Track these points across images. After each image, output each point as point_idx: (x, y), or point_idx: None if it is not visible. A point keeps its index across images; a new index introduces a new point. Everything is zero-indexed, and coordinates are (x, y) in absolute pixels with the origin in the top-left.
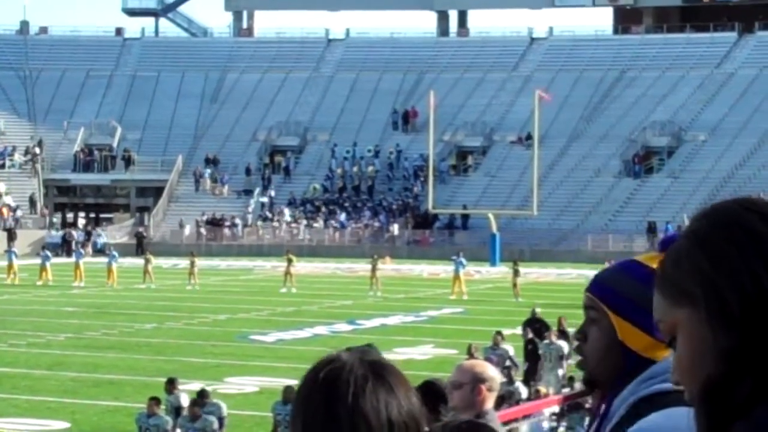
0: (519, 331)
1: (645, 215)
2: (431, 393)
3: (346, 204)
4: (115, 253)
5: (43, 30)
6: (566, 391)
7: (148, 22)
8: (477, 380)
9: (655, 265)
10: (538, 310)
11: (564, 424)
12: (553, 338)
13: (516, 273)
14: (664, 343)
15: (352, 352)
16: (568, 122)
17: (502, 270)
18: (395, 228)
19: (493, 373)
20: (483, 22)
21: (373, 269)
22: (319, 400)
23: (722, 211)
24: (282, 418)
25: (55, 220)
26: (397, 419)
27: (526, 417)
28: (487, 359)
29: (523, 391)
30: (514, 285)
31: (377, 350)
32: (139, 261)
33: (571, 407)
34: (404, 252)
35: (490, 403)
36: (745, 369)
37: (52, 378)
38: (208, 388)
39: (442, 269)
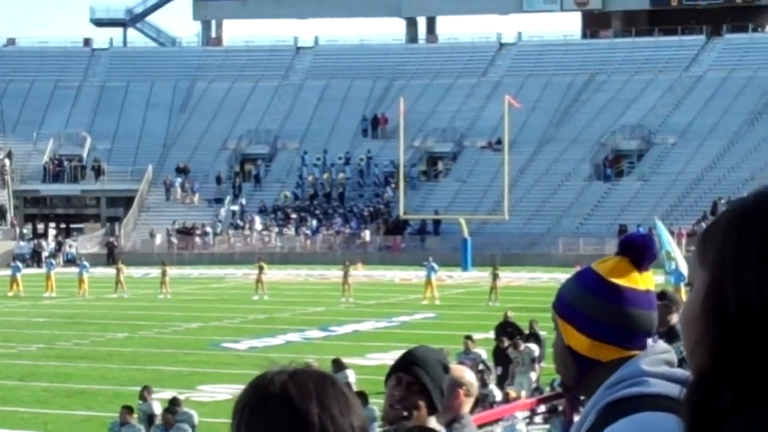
0: (491, 335)
1: (616, 218)
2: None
3: (317, 211)
4: (86, 263)
5: (11, 41)
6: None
7: (117, 32)
8: (454, 384)
9: (605, 270)
10: (510, 313)
11: (537, 426)
12: (521, 344)
13: (495, 277)
14: (602, 341)
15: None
16: (538, 127)
17: (474, 275)
18: (367, 234)
19: (470, 378)
20: (452, 28)
21: (345, 276)
22: (255, 411)
23: None
24: None
25: (25, 231)
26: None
27: (499, 420)
28: (461, 364)
29: (497, 394)
30: (493, 289)
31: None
32: (110, 271)
33: (550, 411)
34: (376, 258)
35: (467, 407)
36: (727, 375)
37: (24, 388)
38: (181, 397)
39: (414, 275)
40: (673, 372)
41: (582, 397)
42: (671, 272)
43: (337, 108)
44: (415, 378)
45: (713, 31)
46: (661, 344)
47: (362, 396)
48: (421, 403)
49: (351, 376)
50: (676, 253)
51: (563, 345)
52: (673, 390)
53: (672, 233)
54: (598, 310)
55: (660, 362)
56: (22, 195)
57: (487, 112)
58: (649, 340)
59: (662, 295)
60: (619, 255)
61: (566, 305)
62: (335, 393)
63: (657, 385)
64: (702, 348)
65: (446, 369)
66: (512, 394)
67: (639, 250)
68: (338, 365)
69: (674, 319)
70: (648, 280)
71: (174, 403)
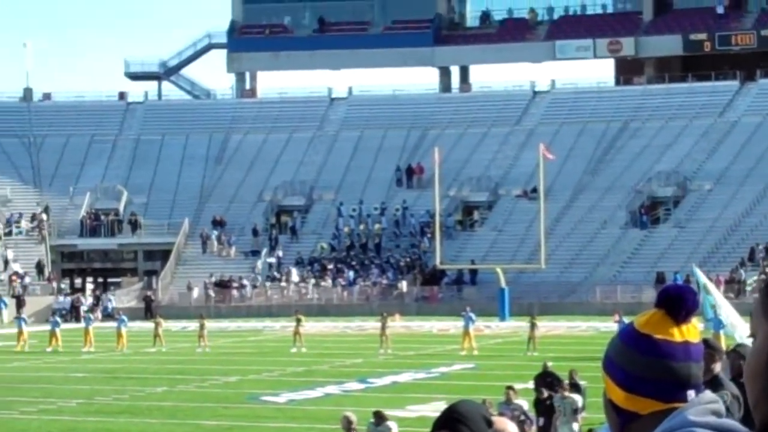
0: (531, 385)
1: (653, 266)
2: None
3: (354, 262)
4: (124, 318)
5: (47, 96)
6: None
7: (151, 85)
8: None
9: (639, 323)
10: (549, 363)
11: None
12: (565, 392)
13: (533, 326)
14: (636, 393)
15: None
16: (573, 174)
17: (512, 324)
18: (404, 285)
19: (513, 430)
20: (485, 77)
21: (383, 327)
22: None
23: None
24: None
25: (63, 285)
26: None
27: None
28: (501, 414)
29: None
30: (531, 338)
31: None
32: (148, 325)
33: None
34: (413, 309)
35: None
36: None
37: None
38: None
39: (452, 325)
40: (721, 423)
41: None
42: (711, 320)
43: (371, 158)
44: None
45: (747, 77)
46: (708, 394)
47: None
48: None
49: (394, 428)
50: (717, 300)
51: (606, 397)
52: None
53: (710, 280)
54: (631, 363)
55: (707, 412)
56: (60, 250)
57: (522, 160)
58: (692, 392)
59: (704, 343)
60: (657, 307)
61: (607, 359)
62: None
63: None
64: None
65: (489, 423)
66: None
67: (675, 302)
68: (379, 417)
69: (717, 367)
70: (689, 332)
71: None
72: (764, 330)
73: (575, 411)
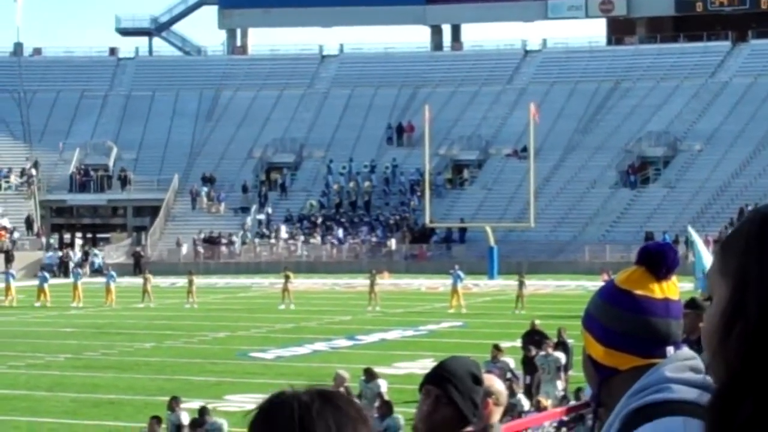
0: (518, 343)
1: (642, 225)
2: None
3: (343, 220)
4: (113, 273)
5: (37, 51)
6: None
7: (142, 41)
8: (484, 394)
9: (620, 280)
10: (537, 321)
11: None
12: (550, 350)
13: (521, 285)
14: (615, 349)
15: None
16: (564, 134)
17: (501, 283)
18: (393, 243)
19: (500, 387)
20: (477, 36)
21: (372, 284)
22: (265, 427)
23: None
24: None
25: (52, 241)
26: None
27: (528, 429)
28: (488, 372)
29: (526, 404)
30: (519, 297)
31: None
32: (137, 280)
33: (575, 419)
34: (402, 266)
35: (496, 416)
36: (748, 386)
37: (52, 399)
38: (209, 406)
39: (441, 283)
40: (696, 378)
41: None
42: (700, 279)
43: (362, 116)
44: (443, 391)
45: (739, 37)
46: (686, 351)
47: (387, 406)
48: (449, 415)
49: (383, 385)
50: (706, 260)
51: (585, 354)
52: (697, 395)
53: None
54: (611, 319)
55: (684, 368)
56: (49, 205)
57: (513, 119)
58: (671, 348)
59: (692, 303)
60: (637, 264)
61: (587, 315)
62: (341, 415)
63: (680, 391)
64: (722, 359)
65: (478, 381)
66: (543, 402)
67: (655, 259)
68: (370, 375)
69: None
70: (669, 289)
71: (203, 413)
72: (721, 291)
73: (559, 369)
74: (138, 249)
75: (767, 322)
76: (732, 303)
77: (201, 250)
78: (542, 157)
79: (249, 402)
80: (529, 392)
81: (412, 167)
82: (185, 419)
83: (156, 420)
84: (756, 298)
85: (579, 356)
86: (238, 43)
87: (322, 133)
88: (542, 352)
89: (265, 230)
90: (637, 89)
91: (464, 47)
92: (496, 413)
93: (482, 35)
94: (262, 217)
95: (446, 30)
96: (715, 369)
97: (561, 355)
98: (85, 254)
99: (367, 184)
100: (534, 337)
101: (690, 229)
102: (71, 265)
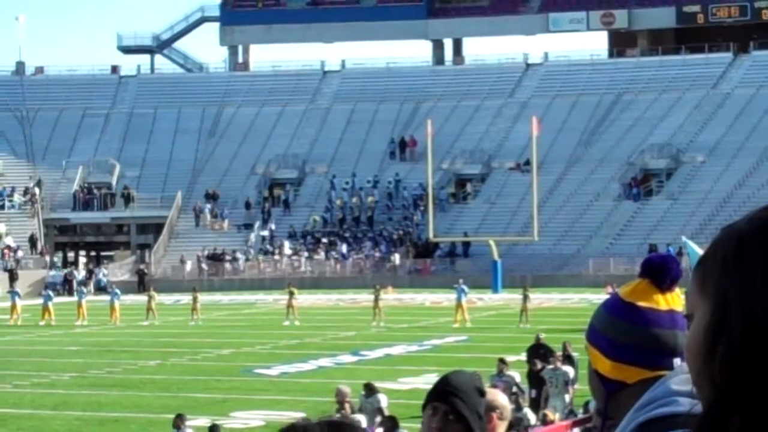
0: (523, 357)
1: (646, 238)
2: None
3: (347, 235)
4: (117, 291)
5: (39, 70)
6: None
7: (144, 59)
8: (488, 408)
9: (624, 292)
10: (542, 335)
11: None
12: (558, 364)
13: (526, 298)
14: (622, 362)
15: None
16: (566, 147)
17: (505, 296)
18: (396, 258)
19: (503, 401)
20: (478, 50)
21: (376, 299)
22: None
23: None
24: None
25: (56, 259)
26: None
27: None
28: (494, 386)
29: (532, 418)
30: (523, 311)
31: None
32: (141, 298)
33: None
34: (406, 281)
35: (501, 430)
36: (735, 405)
37: (57, 417)
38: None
39: (445, 297)
40: None
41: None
42: None
43: (364, 131)
44: (451, 407)
45: (740, 48)
46: None
47: (393, 421)
48: (458, 431)
49: (383, 400)
50: None
51: (591, 368)
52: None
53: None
54: (617, 332)
55: (689, 381)
56: (53, 223)
57: (515, 133)
58: (677, 360)
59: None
60: (641, 277)
61: (591, 329)
62: None
63: (687, 404)
64: (707, 377)
65: (482, 393)
66: (550, 416)
67: (659, 271)
68: (370, 390)
69: None
70: (673, 301)
71: (213, 430)
72: (702, 308)
73: (567, 383)
74: (142, 266)
75: (750, 341)
76: (714, 322)
77: (205, 267)
78: (545, 171)
79: (254, 419)
80: (535, 406)
81: (414, 182)
82: None
83: None
84: (738, 317)
85: (584, 369)
86: (240, 59)
87: (324, 148)
88: (550, 366)
89: (268, 246)
90: (639, 101)
91: (466, 61)
92: (501, 428)
93: (484, 49)
94: (265, 233)
95: (448, 44)
96: (701, 387)
97: (569, 369)
98: (89, 272)
99: (370, 199)
100: (539, 351)
101: (684, 239)
102: (75, 283)
